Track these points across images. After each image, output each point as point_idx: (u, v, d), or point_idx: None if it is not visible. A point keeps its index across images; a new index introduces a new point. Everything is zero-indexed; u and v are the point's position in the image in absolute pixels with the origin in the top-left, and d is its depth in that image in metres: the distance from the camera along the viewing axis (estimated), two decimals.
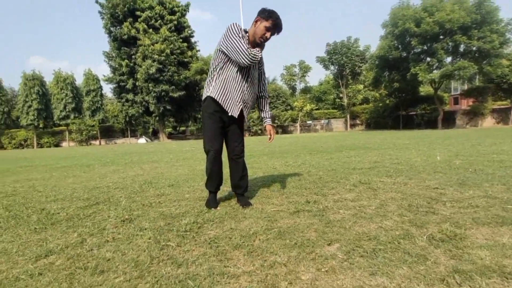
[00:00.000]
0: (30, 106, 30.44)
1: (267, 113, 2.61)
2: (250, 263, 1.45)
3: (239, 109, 2.38)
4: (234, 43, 2.19)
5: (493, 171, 3.52)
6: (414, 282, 1.21)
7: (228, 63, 2.30)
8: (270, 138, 2.62)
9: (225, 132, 2.50)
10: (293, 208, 2.36)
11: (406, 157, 5.24)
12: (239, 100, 2.36)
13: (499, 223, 1.81)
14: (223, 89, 2.34)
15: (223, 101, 2.34)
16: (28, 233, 2.07)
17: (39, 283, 1.34)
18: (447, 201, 2.34)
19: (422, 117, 26.01)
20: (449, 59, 21.89)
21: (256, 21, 2.29)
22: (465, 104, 27.44)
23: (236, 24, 2.25)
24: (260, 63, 2.50)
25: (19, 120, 32.19)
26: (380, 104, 30.03)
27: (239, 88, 2.35)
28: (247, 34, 2.33)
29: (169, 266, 1.46)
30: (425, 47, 21.39)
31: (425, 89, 34.07)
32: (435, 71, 21.15)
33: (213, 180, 2.51)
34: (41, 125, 31.25)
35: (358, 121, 33.62)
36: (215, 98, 2.35)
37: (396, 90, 25.54)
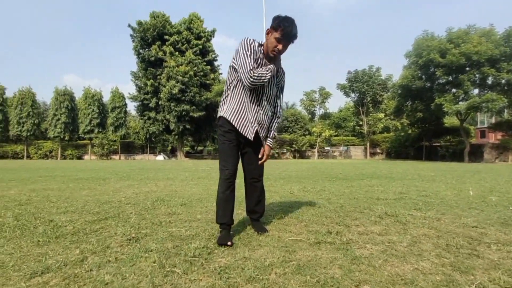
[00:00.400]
0: (58, 119, 31.85)
1: (271, 132, 2.32)
2: None
3: (254, 131, 2.16)
4: (240, 60, 2.02)
5: None
6: None
7: (241, 80, 2.10)
8: (261, 159, 2.29)
9: (242, 154, 2.29)
10: (313, 238, 2.14)
11: (434, 190, 4.88)
12: (253, 121, 2.15)
13: None
14: (237, 109, 2.14)
15: (237, 122, 2.14)
16: (30, 246, 1.95)
17: None
18: (491, 243, 2.04)
19: (446, 149, 24.97)
20: (476, 90, 21.25)
21: (267, 33, 2.09)
22: (493, 137, 26.23)
23: (247, 39, 2.06)
24: (278, 77, 2.25)
25: (47, 132, 33.61)
26: (402, 134, 29.23)
27: (253, 108, 2.15)
28: (262, 48, 2.12)
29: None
30: (450, 78, 20.91)
31: (449, 121, 33.04)
32: (461, 103, 20.49)
33: (223, 208, 2.13)
34: (66, 138, 32.48)
35: (378, 150, 32.77)
36: (229, 119, 2.15)
37: (419, 120, 24.84)
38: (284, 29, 1.97)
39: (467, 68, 20.12)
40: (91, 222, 2.59)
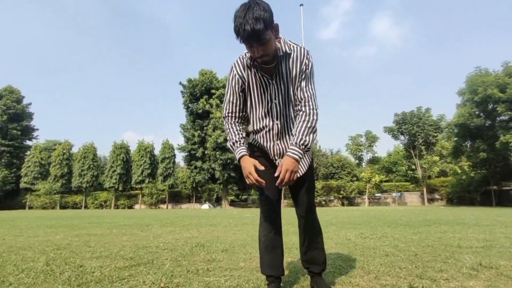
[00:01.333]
0: (114, 171, 34.44)
1: (295, 137, 1.51)
2: None
3: (278, 149, 1.66)
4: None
5: None
6: None
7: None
8: (278, 178, 1.48)
9: (289, 187, 1.77)
10: None
11: None
12: (273, 138, 1.66)
13: None
14: (255, 129, 1.72)
15: (261, 143, 1.71)
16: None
17: None
18: None
19: None
20: None
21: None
22: None
23: (231, 67, 1.67)
24: (287, 64, 1.58)
25: (103, 183, 36.25)
26: (464, 177, 26.24)
27: (268, 122, 1.66)
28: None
29: None
30: None
31: None
32: None
33: (268, 255, 1.68)
34: (120, 188, 34.58)
35: (437, 195, 29.54)
36: (251, 142, 1.77)
37: (483, 161, 22.23)
38: (235, 29, 1.41)
39: None
40: (121, 269, 2.29)
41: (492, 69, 20.24)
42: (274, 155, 1.68)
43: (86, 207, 36.02)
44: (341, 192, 31.10)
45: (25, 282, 1.95)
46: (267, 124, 1.66)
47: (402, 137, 29.87)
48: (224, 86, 33.51)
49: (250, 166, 1.52)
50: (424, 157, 28.95)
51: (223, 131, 29.99)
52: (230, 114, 1.70)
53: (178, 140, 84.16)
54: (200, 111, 32.64)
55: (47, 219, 10.31)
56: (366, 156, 33.63)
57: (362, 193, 31.03)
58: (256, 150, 1.74)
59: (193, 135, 32.49)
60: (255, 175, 1.50)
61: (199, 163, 32.23)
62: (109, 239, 4.23)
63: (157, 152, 37.53)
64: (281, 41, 1.56)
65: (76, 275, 2.11)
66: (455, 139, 22.53)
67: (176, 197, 37.47)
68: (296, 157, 1.46)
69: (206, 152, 31.66)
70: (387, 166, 32.64)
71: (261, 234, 1.71)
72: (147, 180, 34.18)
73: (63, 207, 35.96)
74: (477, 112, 20.49)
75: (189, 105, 33.85)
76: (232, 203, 35.62)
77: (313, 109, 1.54)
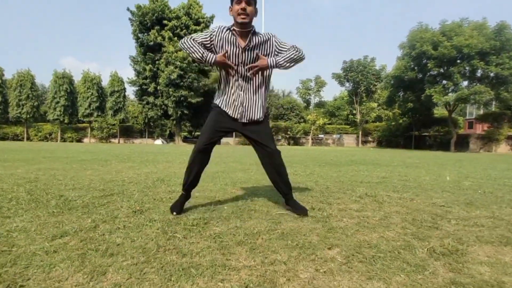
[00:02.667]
0: (58, 102, 31.82)
1: (280, 56, 2.13)
2: (251, 259, 1.51)
3: (240, 114, 2.24)
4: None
5: (502, 194, 3.47)
6: (409, 286, 1.25)
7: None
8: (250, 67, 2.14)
9: (249, 140, 2.39)
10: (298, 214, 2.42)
11: (415, 175, 5.20)
12: (237, 104, 2.23)
13: (503, 243, 1.81)
14: (223, 95, 2.28)
15: (225, 106, 2.27)
16: (46, 216, 2.20)
17: (54, 259, 1.44)
18: (452, 219, 2.34)
19: (434, 139, 25.64)
20: (465, 83, 21.71)
21: (230, 10, 2.16)
22: (480, 129, 26.88)
23: (217, 27, 2.19)
24: (261, 45, 2.16)
25: (46, 114, 33.56)
26: (393, 123, 29.75)
27: (234, 91, 2.22)
28: (233, 28, 2.15)
29: (174, 255, 1.54)
30: (442, 70, 21.23)
31: (439, 112, 33.52)
32: (450, 94, 20.93)
33: (187, 176, 2.32)
34: (66, 121, 32.51)
35: (370, 138, 33.30)
36: (218, 104, 2.31)
37: (410, 110, 25.28)
38: None
39: (458, 61, 20.42)
40: (98, 197, 2.84)
41: (431, 26, 21.79)
42: (233, 111, 2.24)
43: (28, 139, 33.60)
44: (288, 132, 33.25)
45: (21, 207, 2.42)
46: (231, 84, 2.21)
47: (347, 84, 31.81)
48: (177, 17, 30.95)
49: (223, 58, 2.09)
50: (364, 103, 31.61)
51: (176, 67, 28.71)
52: (194, 40, 2.14)
53: (127, 72, 77.86)
54: (152, 43, 30.26)
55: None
56: (314, 100, 35.54)
57: (307, 134, 33.54)
58: (218, 108, 2.30)
59: (144, 69, 30.60)
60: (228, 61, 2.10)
61: (151, 99, 31.12)
62: (74, 173, 4.62)
63: (104, 84, 34.97)
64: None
65: (62, 202, 2.62)
66: (391, 89, 24.83)
67: (127, 132, 36.58)
68: (270, 63, 2.09)
69: (158, 88, 30.42)
70: (331, 110, 35.09)
71: (188, 161, 2.33)
72: (95, 114, 32.42)
73: (1, 138, 33.09)
74: (412, 66, 22.45)
75: (139, 35, 31.04)
76: (185, 140, 36.05)
77: (301, 50, 2.15)
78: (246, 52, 2.14)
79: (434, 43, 20.43)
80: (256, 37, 2.14)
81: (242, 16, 2.01)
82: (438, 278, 1.34)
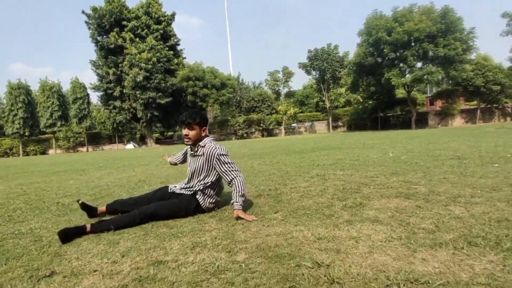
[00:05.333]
0: (15, 115, 30.43)
1: (235, 195, 2.36)
2: (219, 224, 2.16)
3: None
4: None
5: (424, 164, 4.35)
6: (320, 227, 1.95)
7: None
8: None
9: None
10: (257, 193, 3.10)
11: (365, 155, 6.07)
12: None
13: (395, 196, 2.59)
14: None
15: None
16: (54, 217, 2.72)
17: (79, 240, 2.01)
18: (373, 185, 3.12)
19: (397, 118, 27.54)
20: (419, 64, 23.44)
21: None
22: (439, 105, 29.14)
23: None
24: (204, 154, 2.54)
25: (4, 129, 31.95)
26: (360, 107, 31.40)
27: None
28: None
29: (164, 228, 2.16)
30: (398, 54, 22.82)
31: (404, 92, 35.76)
32: (407, 76, 22.60)
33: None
34: (26, 133, 31.19)
35: (340, 123, 34.88)
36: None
37: (374, 93, 26.90)
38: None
39: (412, 44, 22.04)
40: (91, 201, 3.35)
41: (385, 13, 23.30)
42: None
43: None
44: (261, 124, 34.10)
45: (30, 213, 2.90)
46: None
47: (314, 72, 33.00)
48: (137, 17, 30.42)
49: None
50: (332, 90, 33.02)
51: (141, 69, 28.39)
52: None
53: (86, 74, 74.71)
54: (112, 46, 29.69)
55: None
56: (283, 91, 36.55)
57: (280, 124, 34.55)
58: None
59: (108, 73, 29.99)
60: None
61: (118, 103, 30.62)
62: (57, 184, 5.02)
63: (65, 90, 33.79)
64: (208, 140, 2.58)
65: (61, 207, 3.12)
66: (354, 75, 26.28)
67: (95, 139, 35.73)
68: (239, 207, 2.31)
69: (124, 91, 29.97)
70: (301, 99, 36.31)
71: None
72: (59, 123, 31.40)
73: None
74: (371, 52, 23.92)
75: (98, 38, 30.26)
76: (158, 141, 35.81)
77: (236, 181, 2.41)
78: (193, 157, 2.63)
79: (388, 29, 21.94)
80: (202, 148, 2.55)
81: (186, 140, 2.55)
82: (340, 219, 2.06)
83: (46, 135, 33.81)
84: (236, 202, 2.31)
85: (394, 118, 28.28)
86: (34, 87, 32.68)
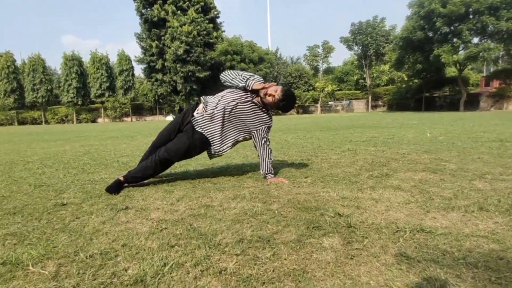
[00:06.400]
0: (70, 85, 33.15)
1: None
2: (255, 183, 2.49)
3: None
4: None
5: (461, 144, 4.31)
6: (345, 190, 2.19)
7: None
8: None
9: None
10: (290, 162, 3.38)
11: (401, 134, 6.03)
12: None
13: (422, 170, 2.72)
14: None
15: None
16: (118, 171, 3.23)
17: (143, 187, 2.45)
18: (401, 160, 3.24)
19: (444, 99, 25.70)
20: (476, 40, 21.39)
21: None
22: (495, 86, 26.61)
23: None
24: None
25: (60, 97, 35.05)
26: (403, 86, 29.69)
27: None
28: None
29: (209, 183, 2.53)
30: (452, 28, 20.91)
31: (455, 71, 32.97)
32: (460, 52, 20.76)
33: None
34: (79, 102, 33.99)
35: (380, 103, 33.44)
36: None
37: (420, 71, 25.20)
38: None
39: (470, 17, 20.02)
40: None
41: None
42: None
43: (46, 122, 35.39)
44: (297, 101, 33.73)
45: (101, 168, 3.46)
46: None
47: (356, 48, 31.51)
48: None
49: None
50: (374, 67, 31.44)
51: (182, 42, 29.04)
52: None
53: (130, 46, 77.82)
54: (155, 19, 30.54)
55: (32, 134, 11.18)
56: (322, 66, 35.48)
57: (316, 101, 33.94)
58: None
59: (151, 46, 31.11)
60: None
61: (159, 76, 31.92)
62: (113, 147, 5.69)
63: (112, 62, 35.83)
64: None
65: (121, 164, 3.65)
66: (399, 51, 24.68)
67: (138, 110, 37.87)
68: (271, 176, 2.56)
69: (166, 64, 31.06)
70: (340, 76, 35.07)
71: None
72: (107, 94, 33.69)
73: (21, 122, 35.00)
74: (421, 25, 22.14)
75: (143, 11, 31.20)
76: None
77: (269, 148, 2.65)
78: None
79: (443, 0, 20.03)
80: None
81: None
82: (364, 185, 2.28)
83: (96, 105, 36.53)
84: (270, 172, 2.57)
85: (441, 99, 26.49)
86: (85, 59, 35.02)
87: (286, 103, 2.56)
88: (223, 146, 2.55)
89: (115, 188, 2.36)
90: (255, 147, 2.64)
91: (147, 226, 1.63)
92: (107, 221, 1.73)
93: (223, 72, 2.69)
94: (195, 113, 2.56)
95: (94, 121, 36.43)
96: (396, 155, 3.61)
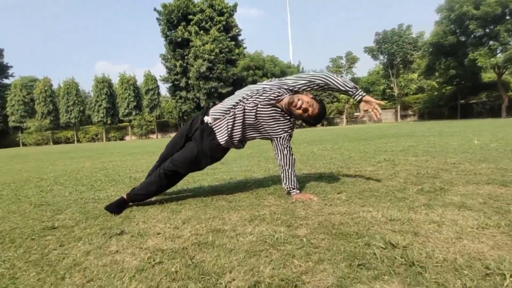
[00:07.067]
0: (100, 105, 34.79)
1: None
2: (278, 201, 2.08)
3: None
4: None
5: None
6: (391, 209, 1.73)
7: None
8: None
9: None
10: (318, 175, 2.93)
11: (443, 142, 5.38)
12: None
13: (486, 183, 2.19)
14: None
15: None
16: (127, 187, 2.95)
17: (145, 206, 2.12)
18: (454, 171, 2.70)
19: (483, 106, 23.93)
20: None
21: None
22: None
23: None
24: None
25: (91, 117, 36.83)
26: (436, 93, 28.14)
27: None
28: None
29: (223, 201, 2.16)
30: (487, 30, 19.63)
31: (492, 75, 31.00)
32: (498, 55, 19.33)
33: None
34: (109, 122, 35.46)
35: (410, 112, 31.89)
36: None
37: (453, 77, 23.76)
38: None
39: (507, 18, 18.73)
40: None
41: None
42: None
43: (78, 141, 37.17)
44: None
45: (108, 185, 3.21)
46: None
47: (381, 57, 30.55)
48: (201, 11, 31.73)
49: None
50: (402, 75, 30.23)
51: (204, 60, 29.69)
52: None
53: (156, 68, 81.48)
54: (179, 39, 31.64)
55: (62, 152, 11.51)
56: (346, 78, 34.69)
57: (341, 113, 33.02)
58: None
59: (175, 65, 32.13)
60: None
61: (183, 93, 32.69)
62: (131, 163, 5.51)
63: (139, 83, 37.30)
64: None
65: (133, 180, 3.38)
66: (429, 57, 23.49)
67: (164, 127, 38.82)
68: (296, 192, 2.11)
69: (189, 82, 31.82)
70: (365, 86, 34.05)
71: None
72: (134, 112, 34.93)
73: (56, 142, 36.99)
74: (452, 30, 21.02)
75: (167, 33, 32.50)
76: None
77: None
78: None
79: (475, 2, 18.97)
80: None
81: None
82: (415, 203, 1.80)
83: (124, 123, 37.97)
84: (295, 186, 2.13)
85: (479, 105, 24.64)
86: (115, 81, 36.81)
87: (318, 118, 2.18)
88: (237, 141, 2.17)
89: (115, 207, 2.05)
90: (276, 157, 2.24)
91: (138, 258, 1.28)
92: (93, 250, 1.39)
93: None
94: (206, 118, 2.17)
95: (122, 138, 37.75)
96: (444, 165, 3.06)
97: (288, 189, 2.16)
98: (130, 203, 2.18)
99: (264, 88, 2.13)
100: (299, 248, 1.26)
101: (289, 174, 2.15)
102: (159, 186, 2.14)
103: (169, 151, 2.28)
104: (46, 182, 3.65)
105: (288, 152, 2.17)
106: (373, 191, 2.15)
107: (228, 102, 2.17)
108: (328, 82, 2.02)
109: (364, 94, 2.06)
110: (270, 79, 2.25)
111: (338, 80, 2.03)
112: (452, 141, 5.58)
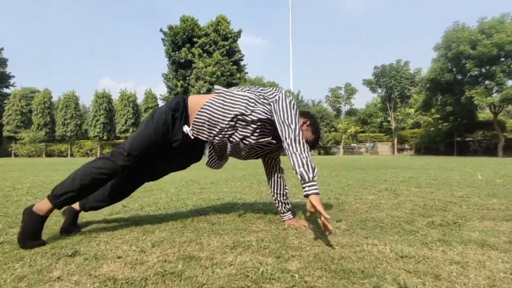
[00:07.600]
0: (98, 120, 34.53)
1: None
2: (268, 226, 1.80)
3: None
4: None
5: None
6: (400, 243, 1.46)
7: None
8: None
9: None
10: None
11: (445, 176, 5.16)
12: None
13: (504, 219, 1.94)
14: None
15: None
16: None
17: (112, 224, 1.83)
18: (465, 204, 2.45)
19: (479, 144, 24.02)
20: (510, 82, 20.33)
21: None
22: None
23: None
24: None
25: (87, 132, 36.44)
26: (432, 129, 28.36)
27: None
28: None
29: (205, 223, 1.87)
30: (483, 70, 20.13)
31: (487, 114, 31.51)
32: (494, 95, 19.69)
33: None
34: (105, 137, 35.06)
35: (406, 146, 31.98)
36: None
37: (450, 114, 24.06)
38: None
39: (502, 59, 19.27)
40: (141, 192, 3.29)
41: (468, 25, 20.88)
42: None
43: (72, 155, 36.54)
44: (320, 142, 33.07)
45: None
46: None
47: (379, 90, 31.10)
48: (206, 34, 32.56)
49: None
50: (399, 109, 30.62)
51: (205, 82, 30.01)
52: None
53: (158, 88, 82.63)
54: (183, 60, 32.13)
55: (53, 164, 11.12)
56: (345, 108, 35.13)
57: (339, 143, 33.04)
58: None
59: (176, 85, 32.40)
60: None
61: None
62: None
63: (139, 101, 37.42)
64: None
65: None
66: (427, 93, 23.89)
67: None
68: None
69: None
70: (363, 118, 34.38)
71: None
72: (131, 130, 34.66)
73: (48, 155, 36.30)
74: (449, 67, 21.54)
75: (171, 53, 33.07)
76: None
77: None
78: None
79: (472, 42, 19.60)
80: None
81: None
82: (428, 238, 1.54)
83: (120, 140, 37.57)
84: (312, 175, 1.50)
85: (475, 143, 24.75)
86: (115, 97, 36.87)
87: (315, 143, 1.94)
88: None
89: (69, 225, 1.73)
90: (268, 164, 1.98)
91: None
92: (29, 275, 1.10)
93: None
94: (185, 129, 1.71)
95: None
96: (452, 198, 2.81)
97: (304, 182, 1.49)
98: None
99: (257, 116, 1.67)
100: (289, 287, 0.99)
101: (301, 158, 1.51)
102: (92, 180, 1.58)
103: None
104: (17, 192, 3.33)
105: (292, 141, 1.57)
106: (376, 221, 1.89)
107: (218, 116, 1.68)
108: (285, 146, 1.57)
109: (313, 192, 1.47)
110: (250, 87, 1.81)
111: (298, 156, 1.52)
112: (454, 175, 5.37)
